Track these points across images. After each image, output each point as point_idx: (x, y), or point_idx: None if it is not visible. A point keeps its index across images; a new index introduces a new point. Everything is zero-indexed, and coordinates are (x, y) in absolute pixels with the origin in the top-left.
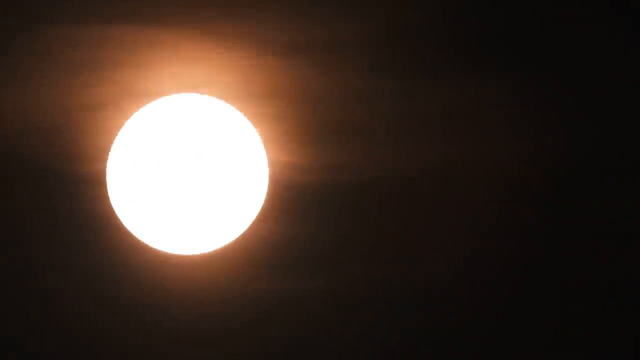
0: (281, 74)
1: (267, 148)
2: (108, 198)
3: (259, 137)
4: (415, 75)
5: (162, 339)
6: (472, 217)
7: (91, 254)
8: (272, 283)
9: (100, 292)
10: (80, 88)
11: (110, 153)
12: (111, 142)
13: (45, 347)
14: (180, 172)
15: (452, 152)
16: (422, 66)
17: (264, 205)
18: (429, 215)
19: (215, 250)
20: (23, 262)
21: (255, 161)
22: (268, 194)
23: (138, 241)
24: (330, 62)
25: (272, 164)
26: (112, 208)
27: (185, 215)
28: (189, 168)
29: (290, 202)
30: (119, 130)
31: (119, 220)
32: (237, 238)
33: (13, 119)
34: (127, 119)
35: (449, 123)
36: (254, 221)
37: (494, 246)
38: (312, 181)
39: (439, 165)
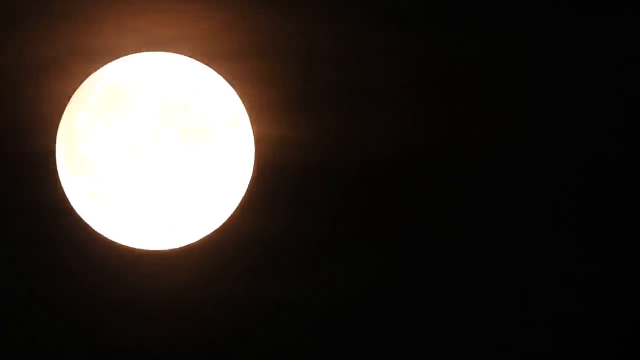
0: (264, 29)
1: (252, 120)
2: (59, 183)
3: (242, 105)
4: (431, 29)
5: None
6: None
7: (44, 247)
8: (252, 284)
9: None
10: (24, 45)
11: (60, 127)
12: (61, 113)
13: None
14: (147, 150)
15: (468, 125)
16: (437, 17)
17: (247, 190)
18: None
19: (186, 246)
20: None
21: (239, 136)
22: (253, 176)
23: (99, 235)
24: (324, 14)
25: (257, 140)
26: (64, 195)
27: (155, 204)
28: (158, 145)
29: (279, 186)
30: (69, 97)
31: (74, 210)
32: (214, 231)
33: None
34: (79, 83)
35: (467, 89)
36: (235, 210)
37: None
38: (305, 160)
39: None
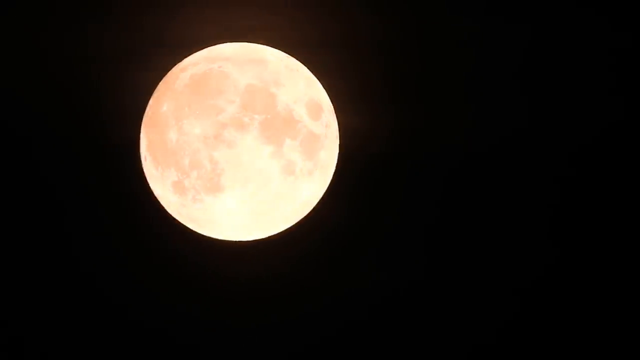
0: (344, 19)
1: (336, 110)
2: (143, 174)
3: (327, 95)
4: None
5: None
6: None
7: (127, 238)
8: (334, 275)
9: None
10: (109, 37)
11: (144, 117)
12: (146, 104)
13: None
14: (232, 140)
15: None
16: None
17: (332, 181)
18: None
19: (270, 237)
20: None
21: (324, 127)
22: (338, 167)
23: (183, 227)
24: (406, 5)
25: (342, 130)
26: (148, 187)
27: (239, 195)
28: (243, 135)
29: (363, 177)
30: (154, 88)
31: (158, 201)
32: (298, 222)
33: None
34: (164, 74)
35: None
36: (319, 201)
37: None
38: (389, 151)
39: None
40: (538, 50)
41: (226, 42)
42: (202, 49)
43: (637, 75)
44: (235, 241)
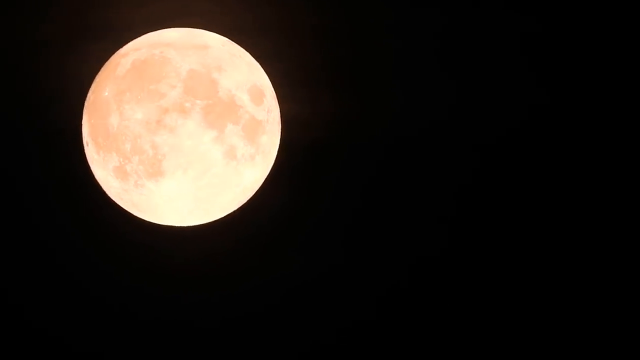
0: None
1: (278, 96)
2: (85, 159)
3: (269, 81)
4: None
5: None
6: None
7: (68, 222)
8: (274, 261)
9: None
10: (49, 22)
11: (86, 102)
12: (87, 89)
13: None
14: (173, 125)
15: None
16: None
17: (274, 166)
18: None
19: (212, 222)
20: None
21: (265, 112)
22: (279, 152)
23: (124, 211)
24: None
25: (283, 115)
26: (90, 171)
27: (180, 180)
28: (184, 121)
29: (305, 162)
30: (96, 73)
31: (99, 185)
32: (240, 207)
33: None
34: (106, 59)
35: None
36: (261, 186)
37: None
38: (329, 137)
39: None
40: (457, 35)
41: (168, 27)
42: (144, 34)
43: (551, 59)
44: (177, 226)
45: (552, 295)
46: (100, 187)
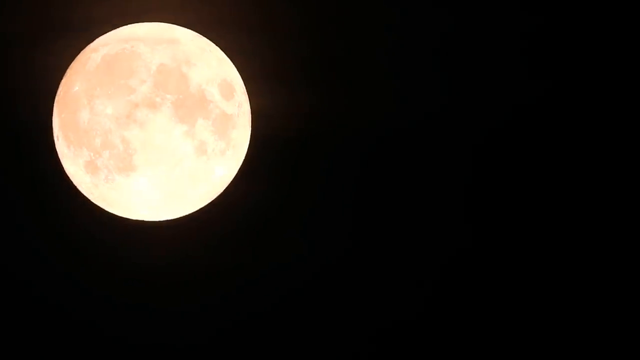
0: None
1: (247, 90)
2: (56, 153)
3: (239, 75)
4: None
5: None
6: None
7: (39, 217)
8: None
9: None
10: (16, 18)
11: (56, 97)
12: (57, 84)
13: None
14: (144, 120)
15: (457, 96)
16: None
17: (244, 161)
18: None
19: (182, 217)
20: None
21: (236, 106)
22: (250, 146)
23: (95, 206)
24: None
25: (253, 110)
26: (61, 166)
27: (151, 175)
28: (155, 115)
29: (275, 157)
30: (66, 69)
31: (70, 180)
32: (211, 202)
33: None
34: (76, 54)
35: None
36: (232, 181)
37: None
38: (300, 131)
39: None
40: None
41: (138, 22)
42: (114, 29)
43: (550, 56)
44: (148, 221)
45: (544, 291)
46: (71, 182)
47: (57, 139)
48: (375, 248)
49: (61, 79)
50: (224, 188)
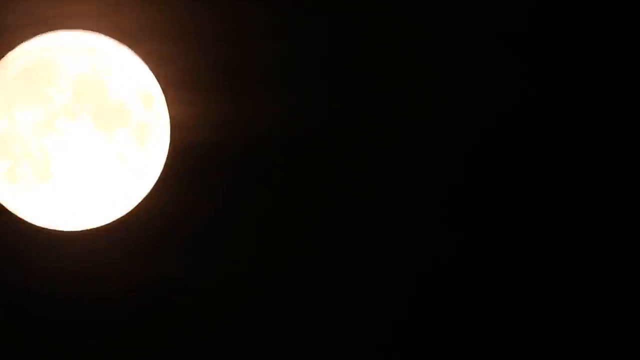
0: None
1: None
2: None
3: (157, 84)
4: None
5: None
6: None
7: None
8: (164, 265)
9: None
10: None
11: None
12: None
13: None
14: (62, 129)
15: (364, 104)
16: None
17: (163, 170)
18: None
19: (101, 227)
20: None
21: (155, 116)
22: (168, 156)
23: (13, 216)
24: None
25: (172, 119)
26: None
27: (69, 185)
28: (73, 124)
29: (194, 166)
30: None
31: None
32: (129, 212)
33: None
34: None
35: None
36: (150, 191)
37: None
38: (219, 140)
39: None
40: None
41: (58, 30)
42: (34, 37)
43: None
44: (67, 231)
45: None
46: None
47: None
48: (296, 254)
49: None
50: (142, 198)
